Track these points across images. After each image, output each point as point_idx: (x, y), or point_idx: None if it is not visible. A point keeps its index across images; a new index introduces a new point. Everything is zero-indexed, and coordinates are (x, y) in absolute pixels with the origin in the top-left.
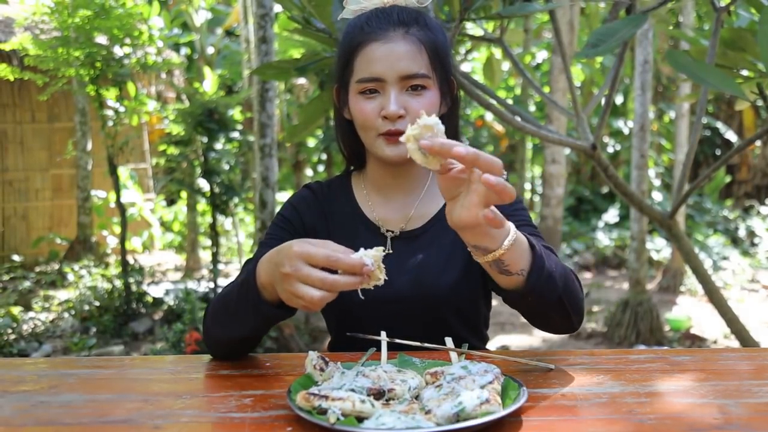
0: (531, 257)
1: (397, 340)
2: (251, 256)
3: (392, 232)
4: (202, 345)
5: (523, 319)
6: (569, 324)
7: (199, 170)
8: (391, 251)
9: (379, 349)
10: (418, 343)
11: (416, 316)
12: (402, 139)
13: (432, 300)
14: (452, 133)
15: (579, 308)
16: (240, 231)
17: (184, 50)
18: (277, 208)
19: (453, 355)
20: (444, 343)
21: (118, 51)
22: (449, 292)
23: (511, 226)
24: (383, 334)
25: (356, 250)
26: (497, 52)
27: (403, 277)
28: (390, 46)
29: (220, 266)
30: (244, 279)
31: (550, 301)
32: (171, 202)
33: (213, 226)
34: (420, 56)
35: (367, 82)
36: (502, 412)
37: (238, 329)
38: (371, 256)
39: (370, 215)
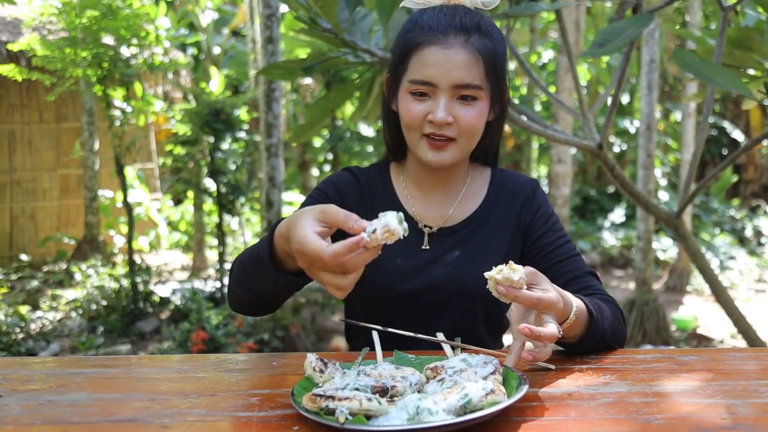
0: (587, 324)
1: (390, 329)
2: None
3: (430, 228)
4: (209, 344)
5: None
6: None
7: (205, 170)
8: (428, 247)
9: (373, 348)
10: (411, 333)
11: (449, 311)
12: (486, 275)
13: (465, 293)
14: (495, 140)
15: (622, 342)
16: (246, 231)
17: (191, 50)
18: (284, 208)
19: (447, 349)
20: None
21: (125, 51)
22: (481, 287)
23: (572, 305)
24: (375, 334)
25: (396, 246)
26: None
27: (439, 269)
28: (447, 53)
29: (227, 266)
30: (257, 254)
31: (597, 349)
32: (178, 201)
33: (219, 225)
34: (476, 67)
35: (418, 84)
36: (508, 401)
37: (261, 291)
38: (381, 226)
39: (409, 209)
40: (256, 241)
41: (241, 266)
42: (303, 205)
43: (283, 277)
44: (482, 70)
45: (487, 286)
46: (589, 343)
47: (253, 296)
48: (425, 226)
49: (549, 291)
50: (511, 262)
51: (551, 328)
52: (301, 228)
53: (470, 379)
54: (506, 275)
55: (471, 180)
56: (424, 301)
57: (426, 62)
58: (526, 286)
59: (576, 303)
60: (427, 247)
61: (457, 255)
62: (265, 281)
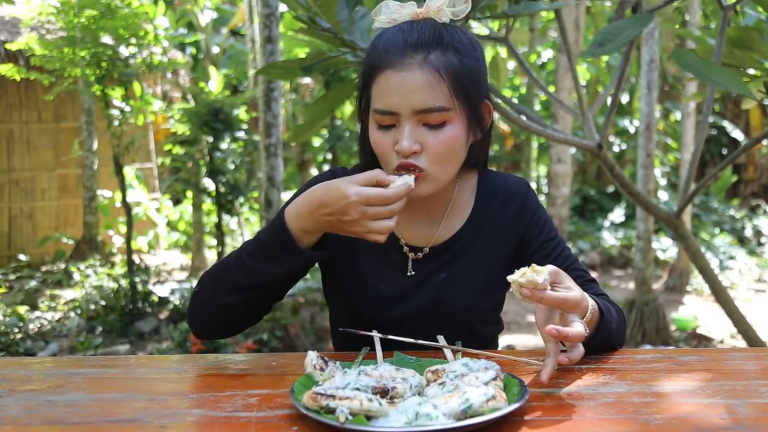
0: (597, 325)
1: (390, 336)
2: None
3: (414, 252)
4: (208, 344)
5: (530, 319)
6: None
7: (204, 170)
8: (413, 273)
9: (373, 348)
10: (411, 340)
11: (433, 334)
12: (509, 278)
13: (449, 318)
14: (482, 156)
15: (622, 344)
16: (245, 230)
17: (190, 50)
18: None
19: (447, 352)
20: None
21: (124, 51)
22: (465, 311)
23: (589, 303)
24: (375, 331)
25: (381, 270)
26: (502, 51)
27: (423, 295)
28: (404, 76)
29: None
30: (254, 246)
31: (603, 349)
32: (176, 201)
33: (218, 225)
34: (438, 87)
35: (381, 115)
36: (509, 408)
37: (262, 283)
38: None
39: (394, 231)
40: None
41: (227, 270)
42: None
43: (307, 253)
44: (446, 90)
45: (510, 290)
46: (597, 343)
47: (246, 294)
48: (411, 250)
49: (572, 289)
50: (534, 264)
51: (578, 327)
52: (347, 182)
53: (472, 384)
54: (530, 278)
55: (458, 192)
56: (408, 328)
57: (384, 89)
58: (550, 287)
59: (591, 302)
60: (412, 273)
61: (443, 278)
62: (277, 266)
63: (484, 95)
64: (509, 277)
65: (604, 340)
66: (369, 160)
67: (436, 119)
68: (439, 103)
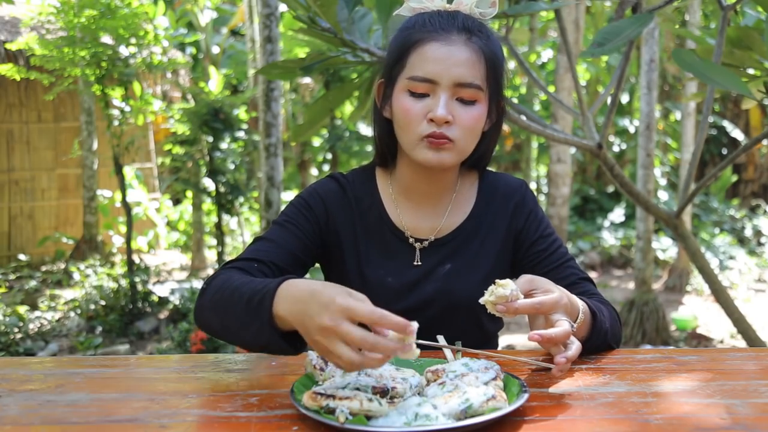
0: (591, 325)
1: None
2: (261, 234)
3: (420, 243)
4: (208, 344)
5: None
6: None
7: (204, 170)
8: (419, 263)
9: None
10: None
11: (441, 325)
12: (480, 301)
13: (456, 307)
14: (490, 149)
15: (619, 343)
16: (245, 230)
17: (190, 50)
18: (283, 208)
19: (447, 352)
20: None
21: (124, 51)
22: (471, 301)
23: (579, 305)
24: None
25: (386, 263)
26: None
27: (430, 285)
28: (450, 49)
29: None
30: (257, 297)
31: (599, 349)
32: (176, 201)
33: (218, 225)
34: (478, 66)
35: (419, 82)
36: (509, 408)
37: (238, 338)
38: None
39: (397, 222)
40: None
41: (225, 297)
42: (285, 213)
43: (276, 339)
44: (483, 71)
45: (489, 311)
46: (593, 343)
47: (227, 335)
48: (416, 240)
49: (551, 292)
50: (497, 280)
51: (563, 325)
52: (344, 289)
53: (471, 383)
54: (498, 294)
55: (460, 187)
56: (416, 318)
57: (427, 58)
58: (522, 296)
59: (581, 305)
60: (419, 263)
61: (448, 268)
62: (250, 331)
63: (503, 91)
64: (481, 300)
65: (600, 340)
66: (385, 139)
67: (470, 95)
68: (476, 81)
